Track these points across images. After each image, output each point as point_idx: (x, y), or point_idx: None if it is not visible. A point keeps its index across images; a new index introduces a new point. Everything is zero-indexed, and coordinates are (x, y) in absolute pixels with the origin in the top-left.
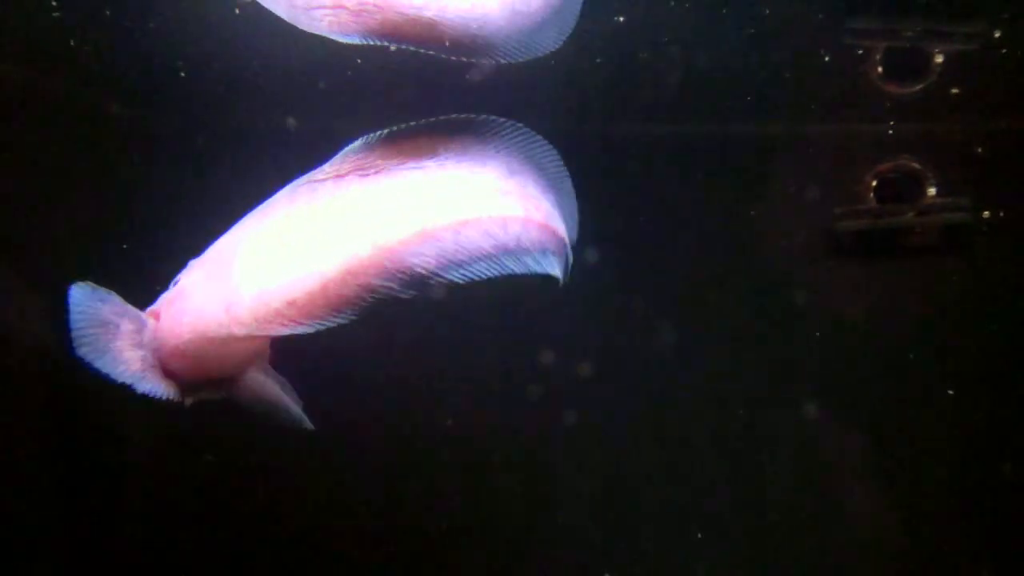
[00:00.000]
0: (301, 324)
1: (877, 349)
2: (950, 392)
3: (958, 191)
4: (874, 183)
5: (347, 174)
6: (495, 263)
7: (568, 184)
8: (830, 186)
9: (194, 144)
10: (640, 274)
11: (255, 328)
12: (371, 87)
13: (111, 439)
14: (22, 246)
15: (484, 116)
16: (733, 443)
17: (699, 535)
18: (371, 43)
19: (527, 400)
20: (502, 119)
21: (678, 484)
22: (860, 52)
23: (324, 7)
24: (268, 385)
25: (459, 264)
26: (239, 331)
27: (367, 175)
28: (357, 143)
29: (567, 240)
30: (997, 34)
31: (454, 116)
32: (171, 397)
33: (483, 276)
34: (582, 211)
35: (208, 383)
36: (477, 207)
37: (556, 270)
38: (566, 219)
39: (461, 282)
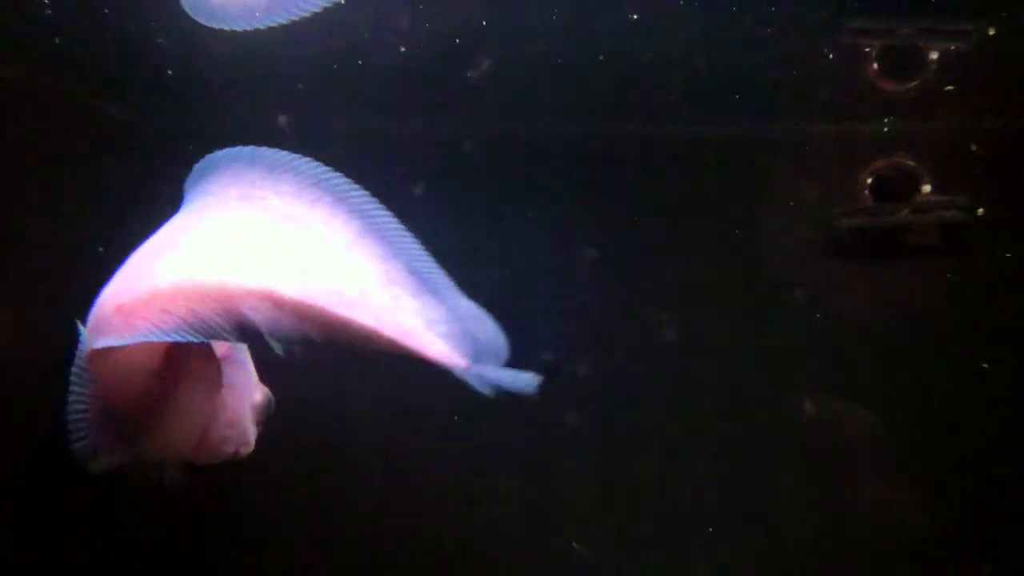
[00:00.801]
0: (132, 332)
1: (877, 348)
2: (949, 390)
3: (953, 188)
4: (869, 181)
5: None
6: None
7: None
8: (828, 185)
9: (186, 144)
10: (640, 274)
11: (111, 333)
12: (368, 87)
13: None
14: (12, 245)
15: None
16: (733, 441)
17: (698, 535)
18: None
19: (527, 400)
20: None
21: (678, 484)
22: (859, 51)
23: None
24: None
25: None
26: (96, 338)
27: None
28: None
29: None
30: (992, 32)
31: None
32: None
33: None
34: (582, 211)
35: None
36: (333, 300)
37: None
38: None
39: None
